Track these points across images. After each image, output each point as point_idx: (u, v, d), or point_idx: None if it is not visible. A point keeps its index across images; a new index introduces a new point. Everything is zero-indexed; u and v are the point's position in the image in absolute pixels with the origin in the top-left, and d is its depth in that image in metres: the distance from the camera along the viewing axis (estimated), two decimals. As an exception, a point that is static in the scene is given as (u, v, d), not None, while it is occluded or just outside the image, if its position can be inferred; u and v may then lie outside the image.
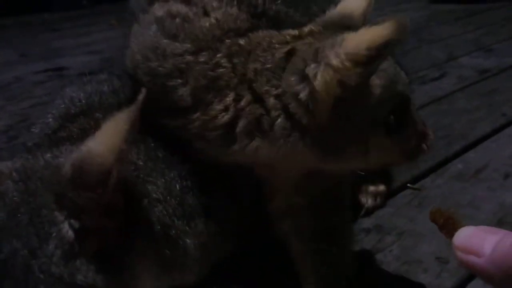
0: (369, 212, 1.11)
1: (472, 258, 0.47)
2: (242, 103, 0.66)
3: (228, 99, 0.67)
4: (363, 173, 1.04)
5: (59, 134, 0.73)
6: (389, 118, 0.68)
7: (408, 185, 1.21)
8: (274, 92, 0.65)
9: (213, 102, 0.67)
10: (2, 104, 1.97)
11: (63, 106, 0.81)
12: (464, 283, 0.89)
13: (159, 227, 0.68)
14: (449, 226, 0.56)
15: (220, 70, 0.67)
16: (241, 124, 0.67)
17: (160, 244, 0.68)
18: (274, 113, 0.66)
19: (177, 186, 0.72)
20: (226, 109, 0.67)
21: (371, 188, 1.13)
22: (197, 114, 0.68)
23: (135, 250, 0.62)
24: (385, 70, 0.67)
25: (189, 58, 0.68)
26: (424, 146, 0.75)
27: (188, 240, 0.71)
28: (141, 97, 0.58)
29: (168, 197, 0.71)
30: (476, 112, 1.66)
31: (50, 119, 0.80)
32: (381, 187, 1.14)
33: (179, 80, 0.68)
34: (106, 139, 0.54)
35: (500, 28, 2.83)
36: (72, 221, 0.55)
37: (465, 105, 1.72)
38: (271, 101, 0.65)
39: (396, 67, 0.71)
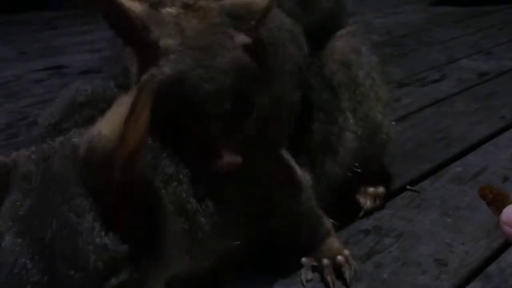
0: (368, 213, 1.10)
1: None
2: None
3: None
4: (359, 170, 1.05)
5: (63, 125, 0.74)
6: (173, 114, 0.70)
7: (407, 187, 1.21)
8: None
9: None
10: (1, 102, 1.97)
11: (68, 96, 0.81)
12: (462, 284, 0.89)
13: (177, 201, 0.70)
14: (497, 203, 0.57)
15: None
16: None
17: (181, 217, 0.70)
18: None
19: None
20: None
21: (370, 189, 1.13)
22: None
23: (164, 224, 0.64)
24: (177, 64, 0.68)
25: None
26: (212, 162, 0.72)
27: (201, 219, 0.73)
28: (145, 77, 0.59)
29: (181, 175, 0.72)
30: (475, 115, 1.66)
31: (54, 109, 0.80)
32: (380, 189, 1.14)
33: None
34: (111, 120, 0.54)
35: (499, 31, 2.84)
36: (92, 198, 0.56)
37: (464, 108, 1.73)
38: None
39: (206, 76, 0.69)
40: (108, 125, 0.54)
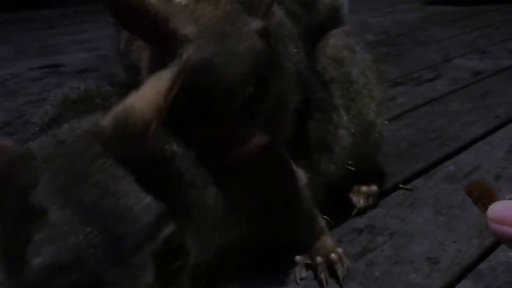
0: (361, 212, 1.11)
1: (506, 229, 0.52)
2: None
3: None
4: (353, 168, 1.06)
5: (58, 122, 0.74)
6: (196, 100, 0.70)
7: (400, 185, 1.22)
8: None
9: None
10: (-2, 101, 1.98)
11: (61, 93, 0.82)
12: (454, 283, 0.91)
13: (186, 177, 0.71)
14: (484, 199, 0.58)
15: None
16: None
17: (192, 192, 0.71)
18: None
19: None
20: None
21: (363, 188, 1.14)
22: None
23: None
24: (201, 52, 0.69)
25: None
26: (228, 151, 0.73)
27: (207, 200, 0.73)
28: (185, 56, 0.60)
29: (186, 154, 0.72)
30: (469, 114, 1.67)
31: (48, 107, 0.81)
32: (373, 188, 1.15)
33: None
34: (147, 95, 0.57)
35: (495, 31, 2.85)
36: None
37: (458, 107, 1.74)
38: None
39: (230, 61, 0.70)
40: (144, 98, 0.56)
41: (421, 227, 1.06)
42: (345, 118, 1.03)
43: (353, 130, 1.03)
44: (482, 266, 0.95)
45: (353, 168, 1.06)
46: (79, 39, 2.94)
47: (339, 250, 0.94)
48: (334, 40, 1.09)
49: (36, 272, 0.53)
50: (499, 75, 2.09)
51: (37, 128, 0.78)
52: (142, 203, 0.57)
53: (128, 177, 0.58)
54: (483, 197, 0.58)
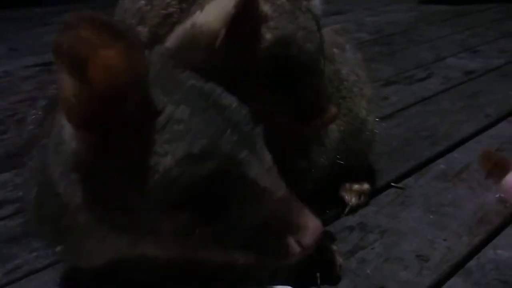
0: (353, 210, 1.12)
1: None
2: None
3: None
4: (342, 162, 1.06)
5: None
6: (276, 74, 0.74)
7: (392, 184, 1.23)
8: None
9: (166, 35, 0.76)
10: (-10, 99, 1.97)
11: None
12: (443, 280, 0.92)
13: None
14: (497, 170, 0.59)
15: (171, 9, 0.79)
16: None
17: None
18: None
19: None
20: None
21: (355, 186, 1.15)
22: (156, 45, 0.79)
23: None
24: (282, 29, 0.74)
25: (145, 8, 0.82)
26: (316, 120, 0.79)
27: None
28: None
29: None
30: (460, 113, 1.69)
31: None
32: (365, 186, 1.16)
33: (141, 25, 0.81)
34: (213, 10, 0.64)
35: (487, 30, 2.86)
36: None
37: (450, 106, 1.75)
38: None
39: (301, 34, 0.76)
40: (209, 13, 0.63)
41: (412, 225, 1.08)
42: None
43: (342, 128, 1.03)
44: (472, 263, 0.96)
45: (342, 162, 1.06)
46: (72, 37, 2.93)
47: (334, 247, 0.95)
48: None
49: (169, 170, 0.54)
50: (490, 74, 2.10)
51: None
52: (235, 99, 0.61)
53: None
54: (496, 168, 0.59)
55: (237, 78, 0.73)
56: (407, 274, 0.93)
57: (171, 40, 0.65)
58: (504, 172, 0.53)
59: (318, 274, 0.91)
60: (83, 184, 0.58)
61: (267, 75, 0.74)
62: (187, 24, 0.65)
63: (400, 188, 1.22)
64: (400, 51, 2.42)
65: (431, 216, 1.11)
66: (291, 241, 0.60)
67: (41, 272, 0.96)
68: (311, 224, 0.61)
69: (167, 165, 0.54)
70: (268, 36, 0.73)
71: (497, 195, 1.17)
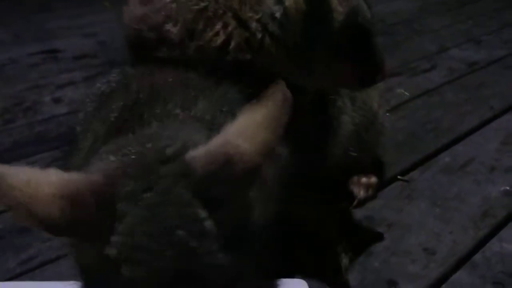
0: (361, 203, 1.14)
1: None
2: (229, 28, 0.80)
3: (217, 26, 0.81)
4: (355, 154, 1.08)
5: (110, 117, 0.70)
6: (348, 44, 0.83)
7: (398, 177, 1.25)
8: (256, 16, 0.80)
9: (205, 30, 0.81)
10: (-3, 87, 1.97)
11: (96, 88, 0.83)
12: (450, 273, 0.94)
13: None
14: None
15: (203, 3, 0.81)
16: (233, 44, 0.81)
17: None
18: (258, 35, 0.80)
19: None
20: (217, 34, 0.81)
21: (363, 179, 1.16)
22: (193, 42, 0.82)
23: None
24: (349, 1, 0.83)
25: (170, 5, 0.82)
26: (378, 77, 0.88)
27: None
28: (282, 91, 0.54)
29: None
30: (464, 105, 1.70)
31: (90, 103, 0.81)
32: (373, 179, 1.17)
33: (170, 23, 0.82)
34: (252, 135, 0.51)
35: (490, 20, 2.86)
36: (214, 215, 0.52)
37: (454, 98, 1.76)
38: (254, 25, 0.80)
39: (360, 2, 0.86)
40: (249, 136, 0.50)
41: (418, 218, 1.10)
42: (348, 106, 1.04)
43: (357, 120, 1.05)
44: (477, 256, 0.98)
45: (355, 154, 1.07)
46: (76, 24, 2.92)
47: (343, 242, 0.97)
48: None
49: None
50: (494, 66, 2.11)
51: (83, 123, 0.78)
52: (217, 264, 0.52)
53: (214, 233, 0.52)
54: None
55: (316, 54, 0.81)
56: (414, 267, 0.95)
57: (200, 157, 0.52)
58: None
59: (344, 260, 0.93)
60: None
61: (342, 45, 0.82)
62: (223, 139, 0.52)
63: (406, 181, 1.24)
64: (404, 42, 2.42)
65: (436, 210, 1.12)
66: None
67: (55, 262, 0.98)
68: None
69: None
70: (340, 9, 0.81)
71: (502, 188, 1.19)
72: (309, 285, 0.87)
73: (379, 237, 1.04)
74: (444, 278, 0.93)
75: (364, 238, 1.03)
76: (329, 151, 1.03)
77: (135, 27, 0.86)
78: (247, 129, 0.51)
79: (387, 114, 1.19)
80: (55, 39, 2.58)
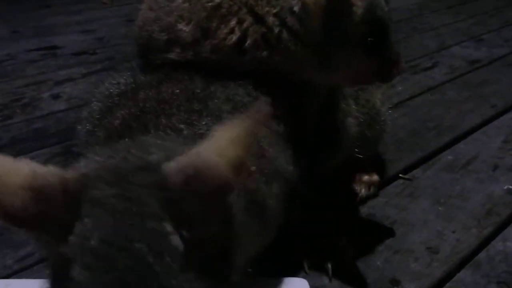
0: (363, 201, 1.13)
1: None
2: (245, 25, 0.79)
3: (232, 23, 0.79)
4: (361, 156, 1.07)
5: (114, 122, 0.70)
6: (367, 39, 0.81)
7: (400, 175, 1.24)
8: (273, 11, 0.78)
9: (219, 28, 0.79)
10: (-5, 82, 1.96)
11: (105, 89, 0.82)
12: (453, 272, 0.93)
13: (252, 204, 0.66)
14: None
15: (217, 0, 0.79)
16: (249, 41, 0.79)
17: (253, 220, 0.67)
18: (276, 29, 0.78)
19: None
20: (232, 31, 0.79)
21: (365, 177, 1.15)
22: (207, 41, 0.80)
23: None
24: None
25: (184, 5, 0.81)
26: (395, 71, 0.86)
27: (270, 201, 0.72)
28: (262, 106, 0.51)
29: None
30: (466, 103, 1.69)
31: (96, 102, 0.80)
32: (375, 177, 1.17)
33: (183, 23, 0.80)
34: (224, 150, 0.48)
35: (491, 18, 2.86)
36: (183, 232, 0.49)
37: (455, 96, 1.75)
38: (271, 19, 0.78)
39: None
40: (220, 152, 0.47)
41: (421, 216, 1.08)
42: (353, 107, 1.03)
43: (361, 120, 1.04)
44: (481, 255, 0.97)
45: (361, 156, 1.07)
46: (74, 20, 2.91)
47: (344, 239, 0.96)
48: None
49: None
50: (495, 64, 2.10)
51: (88, 125, 0.77)
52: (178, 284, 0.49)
53: (175, 251, 0.49)
54: None
55: (334, 49, 0.80)
56: (417, 266, 0.94)
57: (173, 171, 0.49)
58: None
59: (329, 265, 0.92)
60: None
61: (360, 39, 0.81)
62: (193, 155, 0.49)
63: (408, 179, 1.23)
64: (405, 40, 2.41)
65: (439, 208, 1.11)
66: None
67: (53, 259, 0.96)
68: None
69: None
70: (359, 3, 0.79)
71: (505, 187, 1.18)
72: (310, 284, 0.86)
73: (382, 235, 1.02)
74: (448, 277, 0.92)
75: (366, 237, 1.02)
76: (335, 155, 1.02)
77: (146, 29, 0.85)
78: (220, 143, 0.48)
79: (389, 111, 1.17)
80: (54, 36, 2.57)
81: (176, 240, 0.49)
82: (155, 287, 0.47)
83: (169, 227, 0.49)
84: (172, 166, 0.49)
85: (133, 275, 0.48)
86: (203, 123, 0.69)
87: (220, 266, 0.54)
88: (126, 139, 0.61)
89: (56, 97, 1.77)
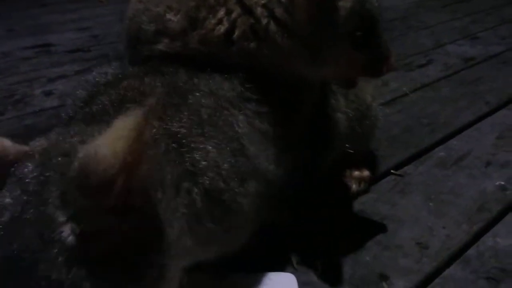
0: (354, 197, 1.12)
1: None
2: (233, 15, 0.78)
3: (220, 13, 0.79)
4: (352, 151, 1.06)
5: (93, 108, 0.69)
6: (356, 33, 0.81)
7: (392, 171, 1.23)
8: (262, 2, 0.78)
9: (207, 18, 0.79)
10: (-12, 80, 1.96)
11: (92, 77, 0.82)
12: (442, 268, 0.92)
13: (204, 199, 0.66)
14: None
15: None
16: (237, 32, 0.79)
17: (204, 218, 0.66)
18: (264, 21, 0.78)
19: (228, 148, 0.72)
20: (220, 22, 0.79)
21: (356, 173, 1.15)
22: (195, 32, 0.80)
23: (165, 245, 0.57)
24: None
25: None
26: (385, 67, 0.86)
27: (242, 200, 0.72)
28: (151, 101, 0.51)
29: (220, 161, 0.70)
30: (460, 100, 1.68)
31: (80, 91, 0.80)
32: (366, 172, 1.16)
33: (171, 13, 0.80)
34: (112, 143, 0.47)
35: (487, 16, 2.85)
36: (73, 224, 0.49)
37: (450, 93, 1.75)
38: (259, 10, 0.78)
39: None
40: (111, 146, 0.47)
41: (411, 212, 1.08)
42: (342, 102, 1.03)
43: (350, 115, 1.03)
44: (471, 251, 0.96)
45: (352, 151, 1.05)
46: (69, 18, 2.91)
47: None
48: None
49: None
50: (490, 61, 2.10)
51: (70, 111, 0.77)
52: (73, 277, 0.49)
53: (62, 243, 0.49)
54: None
55: (323, 42, 0.79)
56: (407, 261, 0.93)
57: (75, 161, 0.48)
58: None
59: (318, 262, 0.91)
60: None
61: (349, 33, 0.80)
62: (88, 148, 0.48)
63: (400, 175, 1.22)
64: (400, 37, 2.41)
65: (430, 204, 1.11)
66: None
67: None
68: None
69: None
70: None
71: (497, 183, 1.17)
72: (298, 280, 0.86)
73: (372, 231, 1.02)
74: (437, 272, 0.91)
75: (356, 233, 1.01)
76: (326, 152, 1.01)
77: (135, 21, 0.85)
78: (109, 136, 0.47)
79: (381, 107, 1.17)
80: (49, 34, 2.57)
81: (66, 232, 0.49)
82: (38, 276, 0.48)
83: (61, 217, 0.49)
84: (78, 156, 0.48)
85: (12, 255, 0.48)
86: (176, 118, 0.68)
87: (136, 261, 0.53)
88: (83, 125, 0.63)
89: (48, 94, 1.76)
